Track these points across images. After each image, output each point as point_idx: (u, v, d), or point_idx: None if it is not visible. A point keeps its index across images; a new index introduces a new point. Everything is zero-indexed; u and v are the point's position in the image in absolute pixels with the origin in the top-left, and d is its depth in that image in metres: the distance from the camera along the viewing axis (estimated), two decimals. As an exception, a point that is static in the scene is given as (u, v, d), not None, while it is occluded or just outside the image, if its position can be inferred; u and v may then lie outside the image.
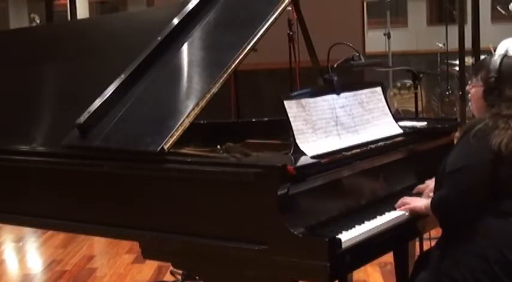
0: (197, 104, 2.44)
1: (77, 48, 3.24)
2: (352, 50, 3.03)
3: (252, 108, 5.14)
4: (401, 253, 3.00)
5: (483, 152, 2.31)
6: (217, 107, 2.75)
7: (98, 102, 2.64)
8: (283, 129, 2.53)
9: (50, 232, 5.29)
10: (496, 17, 11.05)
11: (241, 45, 2.56)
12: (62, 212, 2.74)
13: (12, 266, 5.00)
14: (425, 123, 3.04)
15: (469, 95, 2.58)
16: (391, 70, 8.93)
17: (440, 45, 9.08)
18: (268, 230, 2.16)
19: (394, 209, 2.53)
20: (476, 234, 2.33)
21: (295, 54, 4.82)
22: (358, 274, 3.95)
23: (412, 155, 2.83)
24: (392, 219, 2.45)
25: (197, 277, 2.85)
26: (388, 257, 2.89)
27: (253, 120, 3.40)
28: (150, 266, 4.48)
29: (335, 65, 2.88)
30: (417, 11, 12.48)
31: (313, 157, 2.35)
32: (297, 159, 2.33)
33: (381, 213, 2.46)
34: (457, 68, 8.60)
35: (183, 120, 2.39)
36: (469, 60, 7.89)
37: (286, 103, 2.47)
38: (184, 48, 2.79)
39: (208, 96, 2.46)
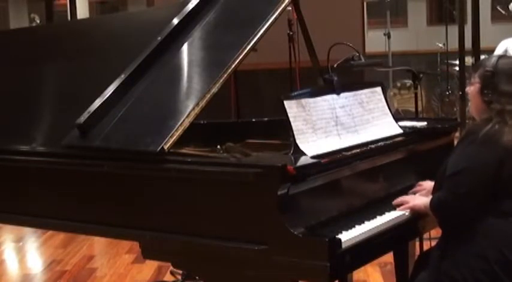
0: (197, 104, 2.44)
1: (77, 48, 3.24)
2: (352, 50, 3.03)
3: (252, 108, 5.13)
4: (401, 253, 2.99)
5: (489, 153, 2.30)
6: (217, 107, 2.75)
7: (98, 102, 2.64)
8: (283, 129, 2.53)
9: (50, 232, 5.29)
10: (496, 17, 11.03)
11: (241, 45, 2.56)
12: (62, 212, 2.74)
13: (12, 266, 5.00)
14: (425, 123, 3.04)
15: (469, 95, 2.58)
16: (391, 70, 8.92)
17: (440, 45, 9.07)
18: (268, 230, 2.16)
19: (394, 209, 2.53)
20: (476, 234, 2.33)
21: (295, 54, 4.82)
22: (358, 274, 3.95)
23: (412, 155, 2.83)
24: (392, 219, 2.45)
25: (197, 277, 2.85)
26: (388, 257, 2.89)
27: (253, 120, 3.40)
28: (150, 266, 4.47)
29: (335, 65, 2.88)
30: (417, 11, 12.45)
31: (313, 157, 2.35)
32: (297, 159, 2.33)
33: (381, 213, 2.46)
34: (457, 68, 8.57)
35: (183, 120, 2.39)
36: (469, 60, 7.86)
37: (286, 103, 2.47)
38: (184, 48, 2.79)
39: (208, 96, 2.46)
